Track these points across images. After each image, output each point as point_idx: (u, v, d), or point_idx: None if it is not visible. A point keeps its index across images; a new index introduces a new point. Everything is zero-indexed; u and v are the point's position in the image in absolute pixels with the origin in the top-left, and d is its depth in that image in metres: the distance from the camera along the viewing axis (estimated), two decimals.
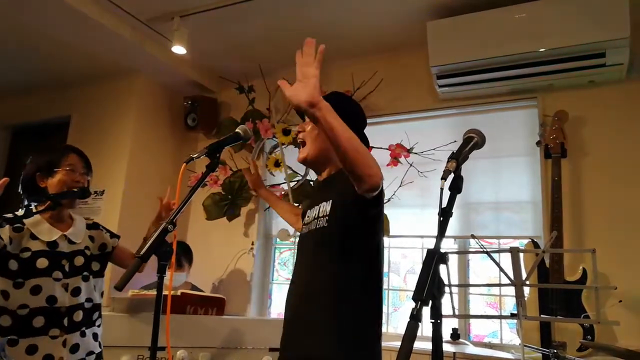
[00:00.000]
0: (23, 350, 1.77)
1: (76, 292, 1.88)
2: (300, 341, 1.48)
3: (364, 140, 1.74)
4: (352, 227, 1.47)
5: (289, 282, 1.66)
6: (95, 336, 1.95)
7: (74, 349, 1.85)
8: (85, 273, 1.93)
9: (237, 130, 1.59)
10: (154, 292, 2.10)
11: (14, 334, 1.77)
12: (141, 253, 1.29)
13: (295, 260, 1.72)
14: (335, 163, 1.61)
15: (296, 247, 1.75)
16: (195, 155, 1.45)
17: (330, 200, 1.54)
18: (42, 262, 1.84)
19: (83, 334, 1.88)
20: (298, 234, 1.86)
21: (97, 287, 2.00)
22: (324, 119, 1.24)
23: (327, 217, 1.53)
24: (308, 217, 1.66)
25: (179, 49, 3.10)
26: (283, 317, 1.62)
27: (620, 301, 2.40)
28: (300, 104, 1.24)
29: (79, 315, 1.87)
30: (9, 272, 1.79)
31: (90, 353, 1.90)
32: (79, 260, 1.92)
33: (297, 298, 1.56)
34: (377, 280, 1.52)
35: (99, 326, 1.99)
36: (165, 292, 1.35)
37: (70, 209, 2.02)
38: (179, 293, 2.49)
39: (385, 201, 3.04)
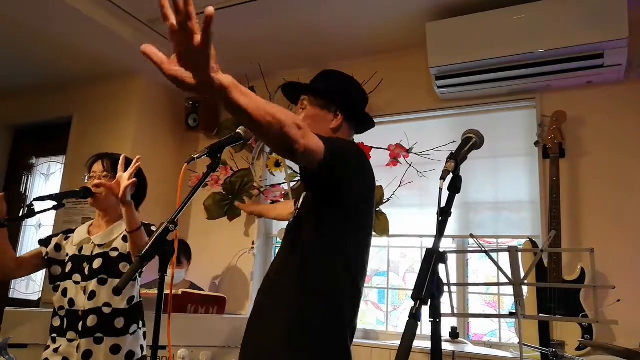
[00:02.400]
0: (51, 350, 1.86)
1: (92, 295, 1.87)
2: (255, 334, 1.44)
3: (357, 119, 1.58)
4: (315, 219, 1.37)
5: None
6: (115, 349, 1.85)
7: (86, 355, 1.81)
8: (102, 276, 1.89)
9: (238, 130, 1.59)
10: (154, 292, 2.11)
11: (53, 333, 1.90)
12: (142, 252, 1.30)
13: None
14: None
15: None
16: (196, 156, 1.46)
17: (302, 194, 1.51)
18: (69, 266, 1.94)
19: (98, 341, 1.83)
20: None
21: (125, 290, 1.90)
22: (231, 90, 1.06)
23: (295, 212, 1.51)
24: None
25: None
26: None
27: (619, 300, 2.41)
28: (187, 87, 0.97)
29: (93, 320, 1.84)
30: (52, 277, 1.97)
31: None
32: (97, 263, 1.91)
33: (260, 292, 1.52)
34: (346, 273, 1.40)
35: (132, 334, 1.90)
36: (166, 291, 1.36)
37: (103, 209, 2.03)
38: (180, 292, 2.50)
39: (384, 201, 3.10)
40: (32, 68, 3.83)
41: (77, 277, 1.91)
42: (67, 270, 1.93)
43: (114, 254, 1.94)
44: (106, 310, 1.87)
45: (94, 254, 1.94)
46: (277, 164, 3.42)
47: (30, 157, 4.41)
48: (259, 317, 1.45)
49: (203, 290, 3.20)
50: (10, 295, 4.11)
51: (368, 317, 3.31)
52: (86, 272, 1.90)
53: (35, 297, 3.94)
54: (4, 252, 1.89)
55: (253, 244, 3.60)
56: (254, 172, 3.60)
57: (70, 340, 1.85)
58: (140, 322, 1.98)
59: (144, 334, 2.00)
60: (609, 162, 2.67)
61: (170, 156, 3.91)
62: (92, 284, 1.89)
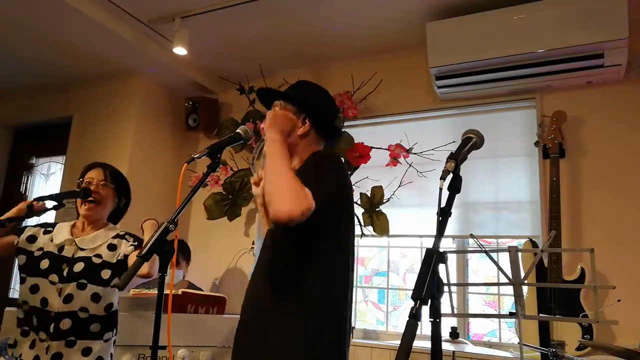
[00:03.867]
0: (22, 345, 1.85)
1: (68, 298, 1.84)
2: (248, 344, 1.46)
3: (332, 131, 1.66)
4: (300, 229, 1.37)
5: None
6: (87, 351, 1.84)
7: (55, 357, 1.80)
8: (82, 280, 1.86)
9: (237, 130, 1.60)
10: (154, 292, 2.11)
11: (24, 325, 1.87)
12: (142, 253, 1.30)
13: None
14: (302, 158, 1.55)
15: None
16: (196, 156, 1.46)
17: None
18: (45, 263, 1.89)
19: (70, 344, 1.81)
20: None
21: (104, 297, 1.89)
22: (272, 145, 1.42)
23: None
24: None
25: (179, 50, 3.11)
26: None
27: (619, 300, 2.41)
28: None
29: (67, 324, 1.82)
30: (19, 267, 1.93)
31: None
32: (79, 267, 1.88)
33: (248, 293, 1.55)
34: (333, 283, 1.44)
35: (105, 341, 1.89)
36: (166, 291, 1.36)
37: (93, 219, 2.00)
38: (180, 292, 2.50)
39: (384, 201, 3.09)
40: (32, 68, 3.83)
41: (54, 277, 1.87)
42: (42, 268, 1.88)
43: (97, 260, 1.91)
44: (82, 315, 1.85)
45: (75, 256, 1.90)
46: None
47: (30, 157, 4.41)
48: (257, 333, 1.45)
49: (202, 290, 3.20)
50: (10, 296, 4.11)
51: (368, 317, 3.31)
52: (65, 274, 1.87)
53: None
54: None
55: (253, 244, 3.60)
56: (254, 172, 3.60)
57: (41, 340, 1.83)
58: (115, 330, 1.96)
59: (114, 342, 1.97)
60: (609, 162, 2.67)
61: (170, 156, 3.91)
62: (70, 287, 1.85)
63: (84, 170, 2.07)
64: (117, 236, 2.00)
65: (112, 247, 1.97)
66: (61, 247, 1.93)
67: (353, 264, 1.53)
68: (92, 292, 1.87)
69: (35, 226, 2.04)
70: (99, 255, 1.93)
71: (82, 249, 1.93)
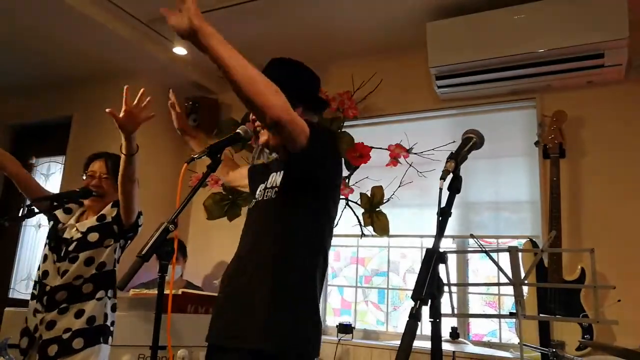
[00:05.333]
0: (30, 308, 1.99)
1: (64, 274, 1.95)
2: (235, 316, 1.44)
3: (314, 104, 1.65)
4: (299, 200, 1.43)
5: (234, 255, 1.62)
6: (79, 314, 1.93)
7: (50, 325, 1.90)
8: (72, 255, 1.96)
9: (237, 130, 1.60)
10: (154, 292, 2.11)
11: (33, 289, 2.02)
12: (142, 253, 1.30)
13: (241, 235, 1.67)
14: None
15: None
16: (196, 156, 1.46)
17: (282, 171, 1.52)
18: (53, 242, 2.03)
19: (63, 311, 1.91)
20: None
21: (96, 258, 1.98)
22: (210, 46, 1.20)
23: (276, 189, 1.52)
24: (259, 191, 1.62)
25: (179, 50, 3.11)
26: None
27: (619, 300, 2.41)
28: (181, 32, 1.19)
29: (62, 295, 1.92)
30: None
31: (67, 330, 1.90)
32: (72, 246, 1.98)
33: (235, 271, 1.56)
34: (321, 252, 1.48)
35: (98, 299, 1.97)
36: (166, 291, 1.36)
37: (96, 211, 2.10)
38: (180, 292, 2.50)
39: (384, 201, 3.09)
40: (32, 68, 3.83)
41: (54, 256, 1.99)
42: (51, 244, 2.02)
43: (87, 233, 2.00)
44: (77, 282, 1.95)
45: (73, 238, 2.00)
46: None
47: (30, 157, 4.40)
48: (237, 295, 1.46)
49: (200, 289, 3.20)
50: (10, 296, 4.11)
51: (368, 317, 3.31)
52: (62, 254, 1.98)
53: None
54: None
55: None
56: None
57: (37, 311, 1.93)
58: (110, 291, 2.03)
59: (113, 306, 2.04)
60: (609, 162, 2.67)
61: (170, 156, 3.91)
62: (65, 265, 1.96)
63: (87, 160, 2.14)
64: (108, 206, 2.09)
65: (101, 218, 2.05)
66: (64, 230, 2.05)
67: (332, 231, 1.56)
68: (85, 258, 1.96)
69: (63, 208, 2.14)
70: (89, 229, 2.02)
71: (80, 232, 2.02)
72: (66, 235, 2.03)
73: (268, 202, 1.53)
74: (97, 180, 2.04)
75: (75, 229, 2.04)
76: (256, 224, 1.57)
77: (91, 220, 2.06)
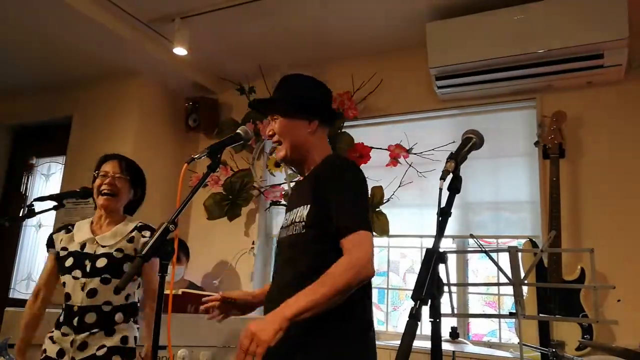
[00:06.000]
0: (48, 338, 1.92)
1: (92, 293, 1.89)
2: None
3: (328, 117, 1.64)
4: (329, 235, 1.39)
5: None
6: (111, 332, 1.91)
7: (82, 346, 1.86)
8: (105, 275, 1.91)
9: (237, 131, 1.60)
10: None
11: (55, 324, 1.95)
12: (142, 253, 1.30)
13: (274, 263, 1.67)
14: (313, 158, 1.56)
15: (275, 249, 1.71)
16: (196, 156, 1.46)
17: (308, 205, 1.47)
18: (69, 261, 1.95)
19: (94, 333, 1.88)
20: None
21: (125, 289, 1.95)
22: (301, 315, 1.23)
23: (303, 223, 1.47)
24: (286, 220, 1.60)
25: (180, 50, 3.11)
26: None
27: (619, 300, 2.41)
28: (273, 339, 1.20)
29: (91, 318, 1.88)
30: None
31: (102, 347, 1.87)
32: (101, 262, 1.92)
33: (272, 304, 1.49)
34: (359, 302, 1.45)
35: (128, 324, 1.96)
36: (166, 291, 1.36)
37: (110, 210, 2.03)
38: (180, 292, 2.50)
39: (384, 201, 3.09)
40: (32, 68, 3.83)
41: (77, 272, 1.92)
42: (66, 265, 1.95)
43: (119, 254, 1.95)
44: (106, 308, 1.90)
45: (97, 253, 1.95)
46: (277, 164, 3.42)
47: (31, 157, 4.41)
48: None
49: (202, 289, 3.20)
50: (10, 296, 4.11)
51: None
52: (88, 270, 1.92)
53: None
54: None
55: (253, 244, 3.60)
56: (254, 173, 3.60)
57: (64, 335, 1.88)
58: (137, 319, 2.02)
59: (137, 330, 2.02)
60: (609, 162, 2.67)
61: (170, 156, 3.91)
62: (94, 282, 1.90)
63: (99, 162, 2.09)
64: (134, 229, 2.02)
65: (131, 240, 2.00)
66: (83, 245, 1.98)
67: None
68: (115, 286, 1.89)
69: (59, 231, 2.08)
70: (120, 250, 1.96)
71: (104, 246, 1.97)
72: (87, 250, 1.97)
73: (298, 237, 1.49)
74: (111, 179, 2.00)
75: (95, 242, 1.98)
76: (290, 258, 1.53)
77: (113, 235, 1.99)
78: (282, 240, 1.60)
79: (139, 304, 2.05)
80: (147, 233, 2.01)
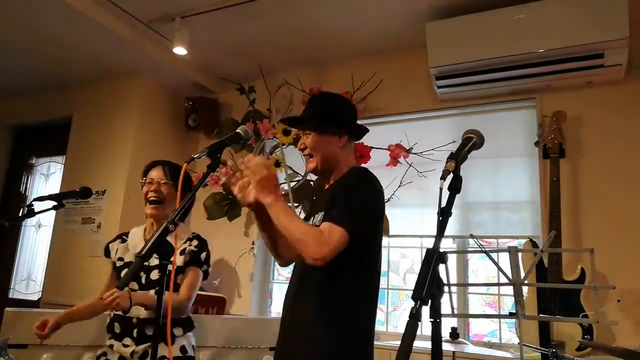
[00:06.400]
0: (108, 346, 1.92)
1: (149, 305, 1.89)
2: (295, 346, 1.54)
3: (356, 132, 1.75)
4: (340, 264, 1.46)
5: (288, 284, 1.69)
6: (171, 340, 1.87)
7: (143, 356, 1.87)
8: (159, 288, 1.92)
9: (237, 130, 1.60)
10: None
11: (108, 332, 1.95)
12: (142, 252, 1.30)
13: (295, 263, 1.74)
14: (341, 170, 1.66)
15: None
16: (196, 156, 1.46)
17: (322, 213, 1.56)
18: (125, 273, 1.93)
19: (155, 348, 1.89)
20: None
21: None
22: (268, 209, 1.46)
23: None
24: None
25: (180, 50, 3.11)
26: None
27: (619, 300, 2.41)
28: (244, 205, 1.55)
29: (151, 330, 1.88)
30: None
31: (162, 358, 1.84)
32: (155, 274, 1.92)
33: (290, 305, 1.61)
34: (370, 291, 1.60)
35: (186, 335, 1.95)
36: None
37: (160, 219, 2.01)
38: None
39: (385, 201, 3.09)
40: (33, 68, 3.83)
41: (133, 284, 1.92)
42: (122, 276, 1.96)
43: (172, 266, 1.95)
44: (163, 321, 1.89)
45: (151, 264, 1.93)
46: (277, 164, 3.41)
47: (30, 157, 4.41)
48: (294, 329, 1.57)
49: (202, 290, 3.20)
50: (10, 296, 4.11)
51: None
52: (143, 282, 1.93)
53: (35, 297, 3.94)
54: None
55: (253, 244, 3.60)
56: None
57: (125, 346, 1.89)
58: (194, 330, 2.01)
59: (194, 339, 2.02)
60: (609, 162, 2.67)
61: (170, 156, 3.86)
62: None
63: (145, 169, 2.08)
64: (186, 240, 2.00)
65: (182, 252, 1.98)
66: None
67: (379, 281, 1.67)
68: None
69: (113, 240, 2.09)
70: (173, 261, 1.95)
71: (157, 257, 1.96)
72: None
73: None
74: (156, 185, 1.98)
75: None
76: (301, 266, 1.60)
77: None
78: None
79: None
80: (195, 242, 1.99)
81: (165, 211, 2.02)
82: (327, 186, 1.75)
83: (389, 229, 3.06)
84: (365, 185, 1.55)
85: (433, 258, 1.00)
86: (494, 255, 2.07)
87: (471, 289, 3.02)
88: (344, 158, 1.68)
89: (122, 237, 2.08)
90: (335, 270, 1.47)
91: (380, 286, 1.76)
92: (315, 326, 1.49)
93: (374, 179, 1.59)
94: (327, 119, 1.67)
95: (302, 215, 1.92)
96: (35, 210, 1.99)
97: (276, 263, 3.75)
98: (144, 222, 2.11)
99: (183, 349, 1.94)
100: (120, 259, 2.00)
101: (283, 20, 3.06)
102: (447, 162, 1.13)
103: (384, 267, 3.31)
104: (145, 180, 2.02)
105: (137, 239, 2.04)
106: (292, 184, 3.37)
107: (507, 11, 2.68)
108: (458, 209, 3.03)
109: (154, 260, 1.91)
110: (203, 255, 1.98)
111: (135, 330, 1.88)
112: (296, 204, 3.27)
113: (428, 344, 1.02)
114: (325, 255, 1.38)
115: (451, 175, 1.13)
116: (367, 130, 1.78)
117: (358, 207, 1.48)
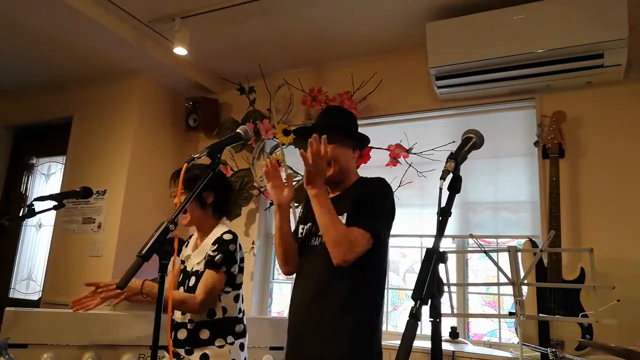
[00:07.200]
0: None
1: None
2: (313, 347, 1.60)
3: (362, 139, 1.86)
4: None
5: (294, 286, 1.74)
6: (204, 357, 1.85)
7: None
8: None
9: (237, 130, 1.60)
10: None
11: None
12: (142, 252, 1.30)
13: (300, 265, 1.75)
14: (351, 180, 1.79)
15: (299, 251, 1.80)
16: (196, 156, 1.47)
17: (345, 214, 1.64)
18: (180, 277, 2.02)
19: (189, 352, 1.89)
20: (301, 234, 1.86)
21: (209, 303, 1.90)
22: (314, 199, 1.60)
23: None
24: (307, 228, 1.79)
25: (180, 50, 3.11)
26: (288, 319, 1.71)
27: (619, 300, 2.40)
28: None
29: (182, 334, 1.90)
30: None
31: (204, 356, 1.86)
32: (192, 281, 1.94)
33: (305, 306, 1.66)
34: (381, 291, 1.69)
35: (219, 347, 1.88)
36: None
37: (195, 226, 2.04)
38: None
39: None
40: (32, 68, 3.83)
41: (182, 288, 1.98)
42: (179, 280, 2.02)
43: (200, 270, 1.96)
44: (190, 325, 1.92)
45: (193, 270, 1.97)
46: (277, 164, 3.41)
47: (31, 157, 4.41)
48: (312, 326, 1.64)
49: None
50: (11, 295, 4.11)
51: None
52: (185, 288, 1.96)
53: (35, 297, 3.94)
54: None
55: (253, 244, 3.60)
56: (254, 172, 3.61)
57: (174, 345, 1.93)
58: (230, 337, 1.91)
59: (241, 346, 1.94)
60: (609, 162, 2.67)
61: (170, 156, 3.91)
62: None
63: (170, 180, 2.13)
64: (215, 242, 1.95)
65: (204, 257, 1.98)
66: (184, 262, 2.05)
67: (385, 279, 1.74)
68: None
69: (183, 243, 2.16)
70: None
71: (197, 263, 1.98)
72: (187, 267, 2.01)
73: (325, 248, 1.61)
74: (176, 199, 1.99)
75: (190, 258, 2.01)
76: (318, 266, 1.67)
77: (201, 252, 1.98)
78: (313, 247, 1.74)
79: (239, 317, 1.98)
80: (215, 246, 1.93)
81: (190, 221, 2.01)
82: (331, 194, 1.80)
83: None
84: (388, 194, 1.73)
85: (433, 258, 1.01)
86: (493, 255, 2.07)
87: (471, 289, 3.02)
88: (354, 170, 1.84)
89: (187, 241, 2.16)
90: (358, 270, 1.58)
91: None
92: (338, 326, 1.57)
93: (391, 188, 1.77)
94: (350, 134, 1.81)
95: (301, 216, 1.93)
96: (36, 210, 2.00)
97: (277, 262, 3.76)
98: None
99: (204, 356, 1.86)
100: (182, 262, 2.07)
101: (283, 20, 3.06)
102: (446, 162, 1.14)
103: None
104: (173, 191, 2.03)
105: (190, 246, 2.10)
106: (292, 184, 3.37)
107: (507, 11, 2.68)
108: (458, 208, 3.04)
109: (195, 266, 1.95)
110: (218, 257, 1.89)
111: (173, 333, 1.93)
112: (296, 204, 3.27)
113: (428, 344, 1.02)
114: (353, 258, 1.53)
115: (451, 175, 1.13)
116: (369, 141, 1.88)
117: (382, 215, 1.67)
